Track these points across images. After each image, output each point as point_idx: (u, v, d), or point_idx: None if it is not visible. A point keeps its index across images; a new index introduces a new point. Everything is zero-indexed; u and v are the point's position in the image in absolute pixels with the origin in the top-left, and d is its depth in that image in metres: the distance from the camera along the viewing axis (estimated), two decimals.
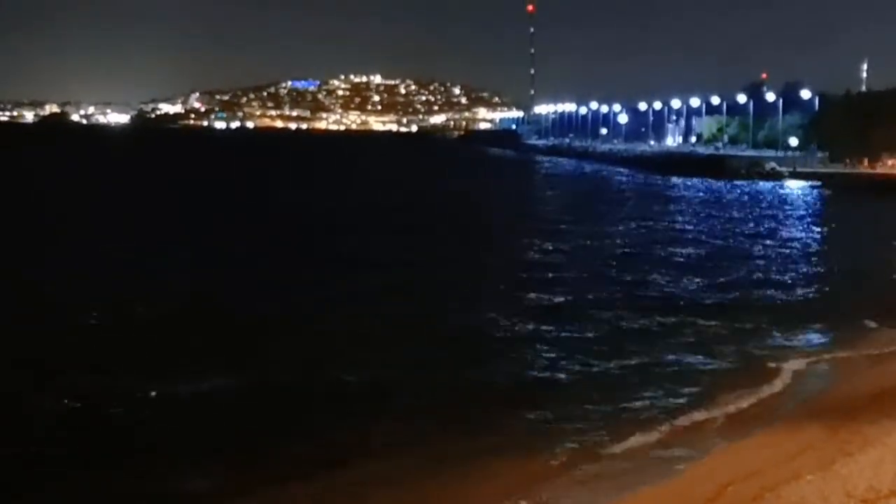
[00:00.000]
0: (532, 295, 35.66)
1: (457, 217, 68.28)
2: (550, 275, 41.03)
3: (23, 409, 21.09)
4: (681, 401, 22.48)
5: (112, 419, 20.44)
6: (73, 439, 19.31)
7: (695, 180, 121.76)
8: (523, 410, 21.43)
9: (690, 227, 64.88)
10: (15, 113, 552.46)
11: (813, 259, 50.09)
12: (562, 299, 35.03)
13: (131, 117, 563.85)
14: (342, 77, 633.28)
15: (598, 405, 21.86)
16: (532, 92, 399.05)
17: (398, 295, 34.68)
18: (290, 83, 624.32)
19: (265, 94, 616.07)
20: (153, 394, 21.96)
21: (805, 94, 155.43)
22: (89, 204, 70.00)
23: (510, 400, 22.34)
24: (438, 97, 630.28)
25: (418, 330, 29.20)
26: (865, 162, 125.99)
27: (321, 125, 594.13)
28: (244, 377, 23.47)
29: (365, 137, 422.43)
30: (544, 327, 30.12)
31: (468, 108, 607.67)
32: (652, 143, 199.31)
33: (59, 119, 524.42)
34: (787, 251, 52.93)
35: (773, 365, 26.03)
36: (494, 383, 23.64)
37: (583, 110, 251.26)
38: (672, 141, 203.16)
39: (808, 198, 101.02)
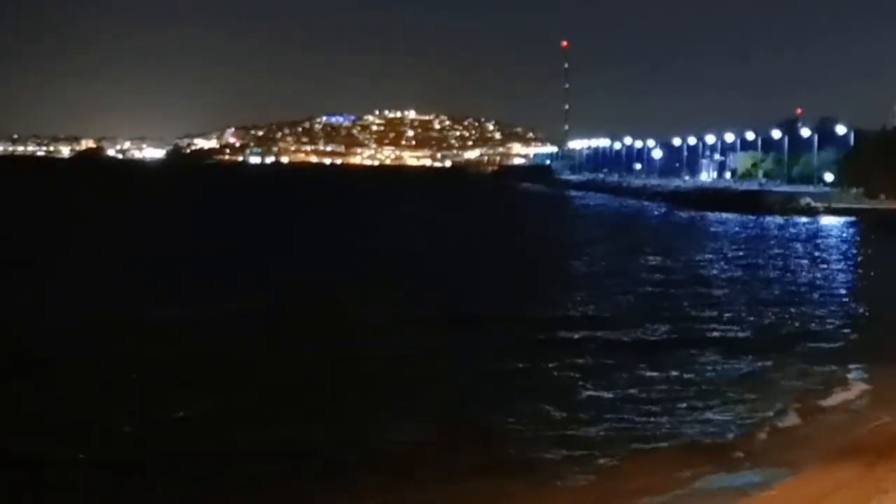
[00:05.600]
0: (571, 334, 35.68)
1: (491, 252, 68.64)
2: (588, 309, 41.24)
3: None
4: (716, 440, 22.50)
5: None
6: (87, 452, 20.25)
7: (730, 215, 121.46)
8: (554, 446, 21.51)
9: (726, 263, 64.66)
10: (51, 148, 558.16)
11: (849, 296, 49.78)
12: (600, 336, 35.05)
13: (167, 152, 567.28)
14: (376, 112, 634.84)
15: (630, 445, 21.95)
16: (566, 127, 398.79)
17: (431, 336, 34.70)
18: (324, 118, 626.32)
19: (300, 129, 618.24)
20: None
21: (840, 129, 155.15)
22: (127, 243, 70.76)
23: (549, 431, 22.53)
24: (472, 132, 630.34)
25: (460, 368, 29.41)
26: None
27: (355, 160, 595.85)
28: (270, 422, 23.71)
29: (399, 172, 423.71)
30: (581, 364, 30.22)
31: (502, 143, 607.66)
32: (686, 178, 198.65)
33: (95, 154, 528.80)
34: (823, 288, 52.68)
35: (809, 403, 26.02)
36: (532, 419, 23.68)
37: (617, 146, 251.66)
38: (706, 176, 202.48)
39: (844, 234, 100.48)
